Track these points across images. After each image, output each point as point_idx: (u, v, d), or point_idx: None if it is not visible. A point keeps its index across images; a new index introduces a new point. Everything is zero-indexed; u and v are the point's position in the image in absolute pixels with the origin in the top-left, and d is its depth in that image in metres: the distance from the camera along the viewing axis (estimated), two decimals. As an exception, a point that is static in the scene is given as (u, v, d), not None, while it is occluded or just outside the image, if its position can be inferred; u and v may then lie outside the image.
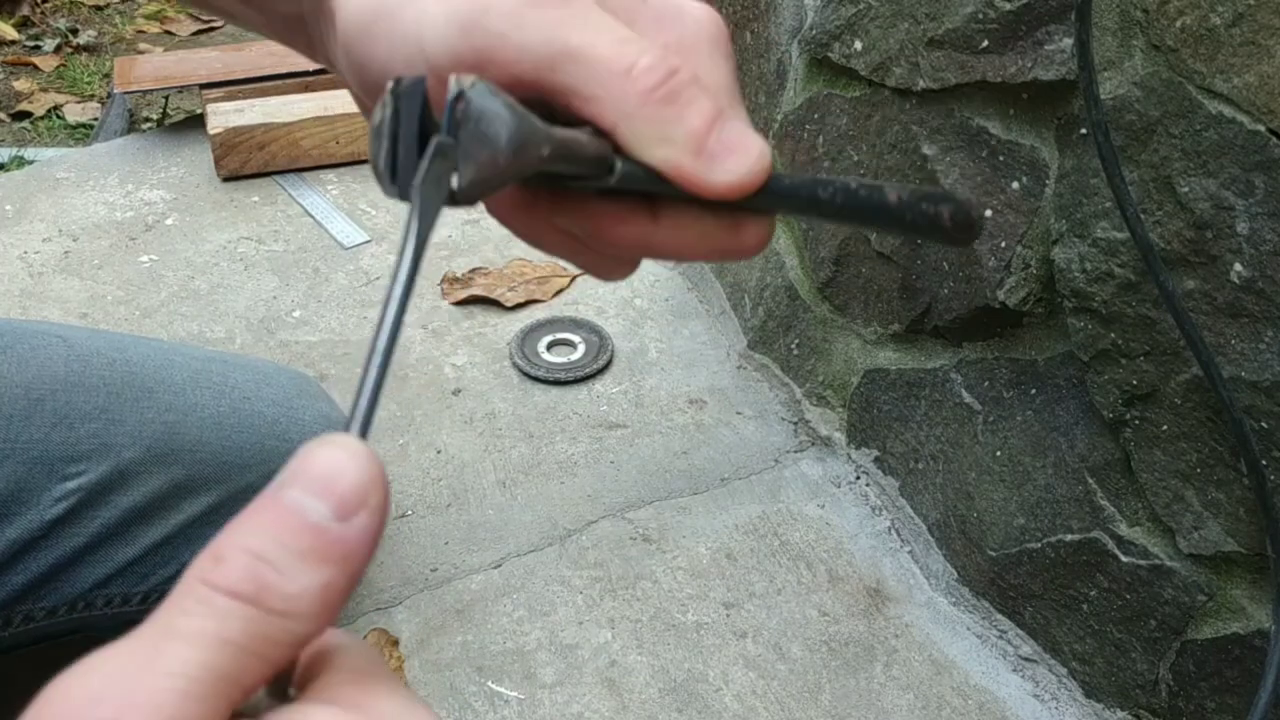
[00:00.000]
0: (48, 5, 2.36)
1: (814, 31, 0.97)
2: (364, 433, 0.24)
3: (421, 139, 0.25)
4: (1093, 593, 0.82)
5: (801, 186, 0.29)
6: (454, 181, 0.25)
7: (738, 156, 0.28)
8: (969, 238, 0.28)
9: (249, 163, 1.54)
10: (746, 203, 0.29)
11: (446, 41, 0.28)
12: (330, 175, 1.56)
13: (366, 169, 1.58)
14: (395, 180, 0.26)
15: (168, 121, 1.84)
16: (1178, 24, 0.64)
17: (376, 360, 0.25)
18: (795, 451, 1.10)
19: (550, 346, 1.23)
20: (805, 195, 0.28)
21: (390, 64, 0.30)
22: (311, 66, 1.68)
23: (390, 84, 0.26)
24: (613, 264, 0.33)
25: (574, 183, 0.28)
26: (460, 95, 0.25)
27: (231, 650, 0.19)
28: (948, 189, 0.28)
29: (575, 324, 1.26)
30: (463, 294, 1.31)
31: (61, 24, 2.29)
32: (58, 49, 2.21)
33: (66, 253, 1.37)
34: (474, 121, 0.25)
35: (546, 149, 0.25)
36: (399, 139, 0.25)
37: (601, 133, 0.28)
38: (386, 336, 0.25)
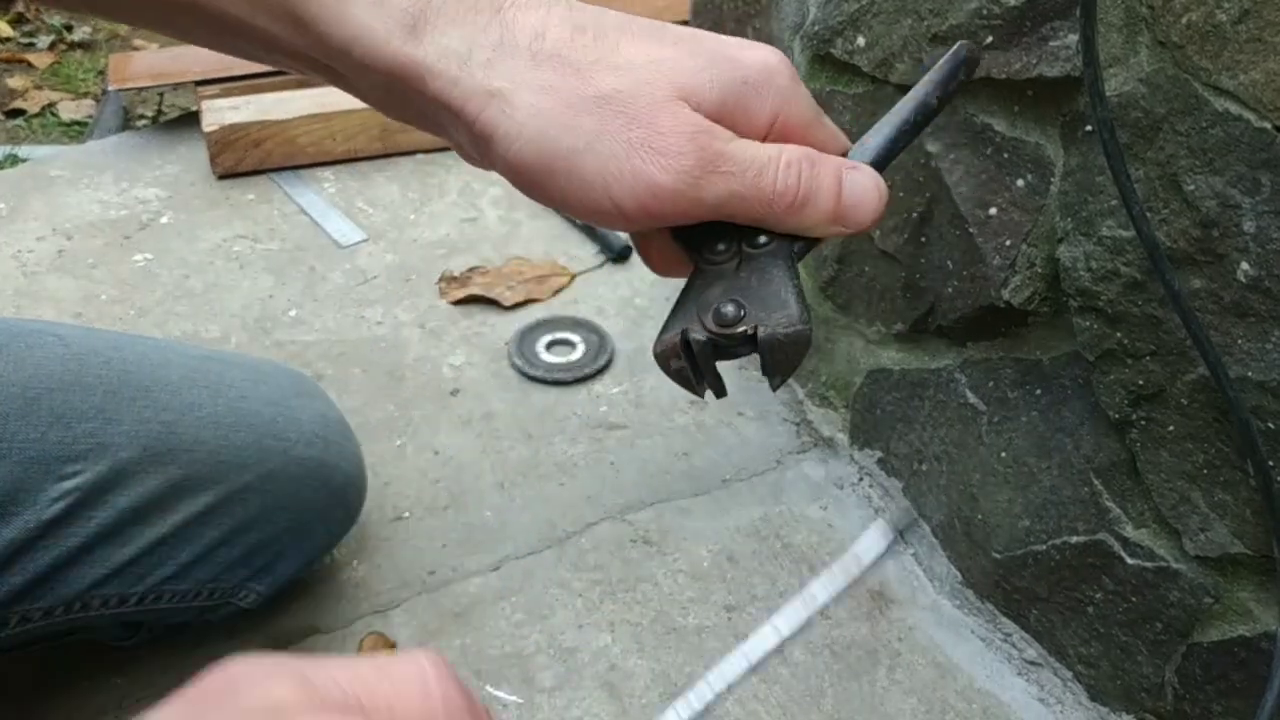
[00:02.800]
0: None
1: (816, 27, 0.97)
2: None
3: (715, 354, 0.37)
4: (1098, 595, 0.81)
5: (890, 149, 0.39)
6: (770, 384, 0.36)
7: (864, 209, 0.38)
8: (973, 74, 0.39)
9: (244, 160, 1.53)
10: None
11: (634, 196, 0.35)
12: (327, 173, 1.55)
13: (363, 166, 1.57)
14: (702, 384, 0.37)
15: (163, 119, 1.83)
16: (1183, 20, 0.63)
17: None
18: (797, 452, 1.10)
19: (549, 346, 1.22)
20: (895, 151, 0.39)
21: (572, 199, 0.36)
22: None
23: (679, 334, 0.36)
24: None
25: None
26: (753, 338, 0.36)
27: None
28: (950, 52, 0.40)
29: (574, 323, 1.25)
30: (460, 293, 1.30)
31: (56, 20, 2.28)
32: (52, 46, 2.20)
33: (61, 251, 1.36)
34: (769, 352, 0.35)
35: (811, 330, 0.36)
36: (697, 362, 0.36)
37: None
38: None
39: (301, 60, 0.39)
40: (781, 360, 0.35)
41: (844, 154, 0.40)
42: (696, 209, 0.35)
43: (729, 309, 0.35)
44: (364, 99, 0.40)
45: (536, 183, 0.36)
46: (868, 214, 0.37)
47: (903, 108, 0.38)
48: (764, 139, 0.37)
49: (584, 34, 0.36)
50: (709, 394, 0.38)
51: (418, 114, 0.39)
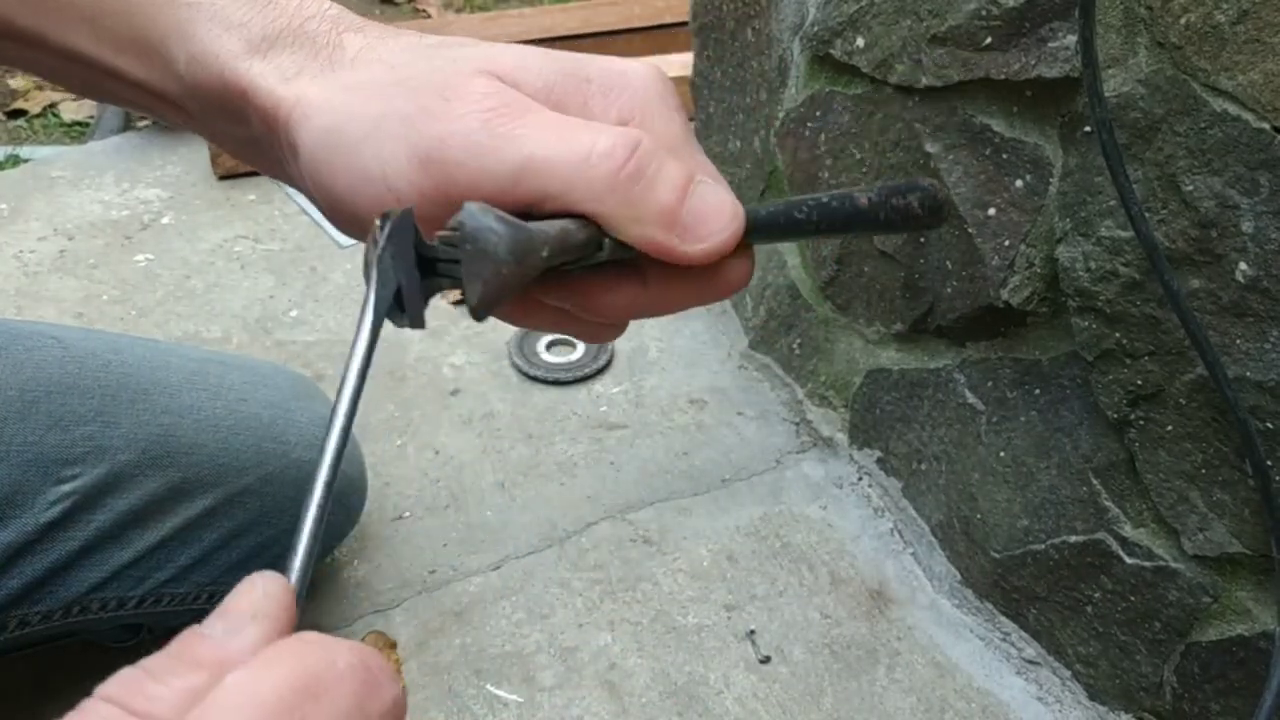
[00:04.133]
0: (43, 3, 2.35)
1: (816, 28, 0.97)
2: (306, 567, 0.25)
3: (420, 265, 0.27)
4: (1097, 595, 0.81)
5: (779, 215, 0.30)
6: (469, 300, 0.26)
7: (710, 225, 0.28)
8: (939, 220, 0.29)
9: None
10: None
11: (408, 178, 0.29)
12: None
13: (364, 167, 1.57)
14: (405, 312, 0.28)
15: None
16: (1182, 21, 0.63)
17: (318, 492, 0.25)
18: (797, 452, 1.10)
19: (549, 346, 1.22)
20: (783, 223, 0.30)
21: (356, 198, 0.31)
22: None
23: (378, 220, 0.26)
24: (603, 330, 0.34)
25: (573, 265, 0.29)
26: (457, 224, 0.26)
27: None
28: (910, 180, 0.30)
29: (574, 323, 1.26)
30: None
31: (57, 22, 2.28)
32: (54, 47, 2.20)
33: (62, 252, 1.37)
34: (471, 242, 0.26)
35: (545, 251, 0.26)
36: (398, 271, 0.27)
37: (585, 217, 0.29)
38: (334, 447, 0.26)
39: (143, 93, 0.37)
40: (480, 256, 0.26)
41: None
42: (491, 180, 0.28)
43: (471, 205, 0.27)
44: (206, 131, 0.38)
45: (327, 189, 0.31)
46: (712, 237, 0.28)
47: (825, 194, 0.30)
48: None
49: (421, 40, 0.32)
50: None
51: (250, 140, 0.36)
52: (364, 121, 0.30)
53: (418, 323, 0.28)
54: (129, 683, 0.21)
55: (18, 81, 2.05)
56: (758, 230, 0.30)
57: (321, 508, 0.25)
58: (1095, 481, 0.79)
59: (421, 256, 0.27)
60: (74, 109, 1.96)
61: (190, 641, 0.22)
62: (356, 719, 0.21)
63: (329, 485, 0.25)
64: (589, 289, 0.31)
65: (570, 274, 0.30)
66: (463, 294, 0.26)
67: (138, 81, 0.36)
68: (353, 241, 1.41)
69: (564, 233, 0.27)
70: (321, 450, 0.25)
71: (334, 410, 0.26)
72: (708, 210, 0.29)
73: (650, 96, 0.31)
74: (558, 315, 0.33)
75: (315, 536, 0.25)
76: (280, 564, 0.81)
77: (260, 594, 0.23)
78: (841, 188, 0.31)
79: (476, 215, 0.26)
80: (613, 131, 0.28)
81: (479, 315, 0.26)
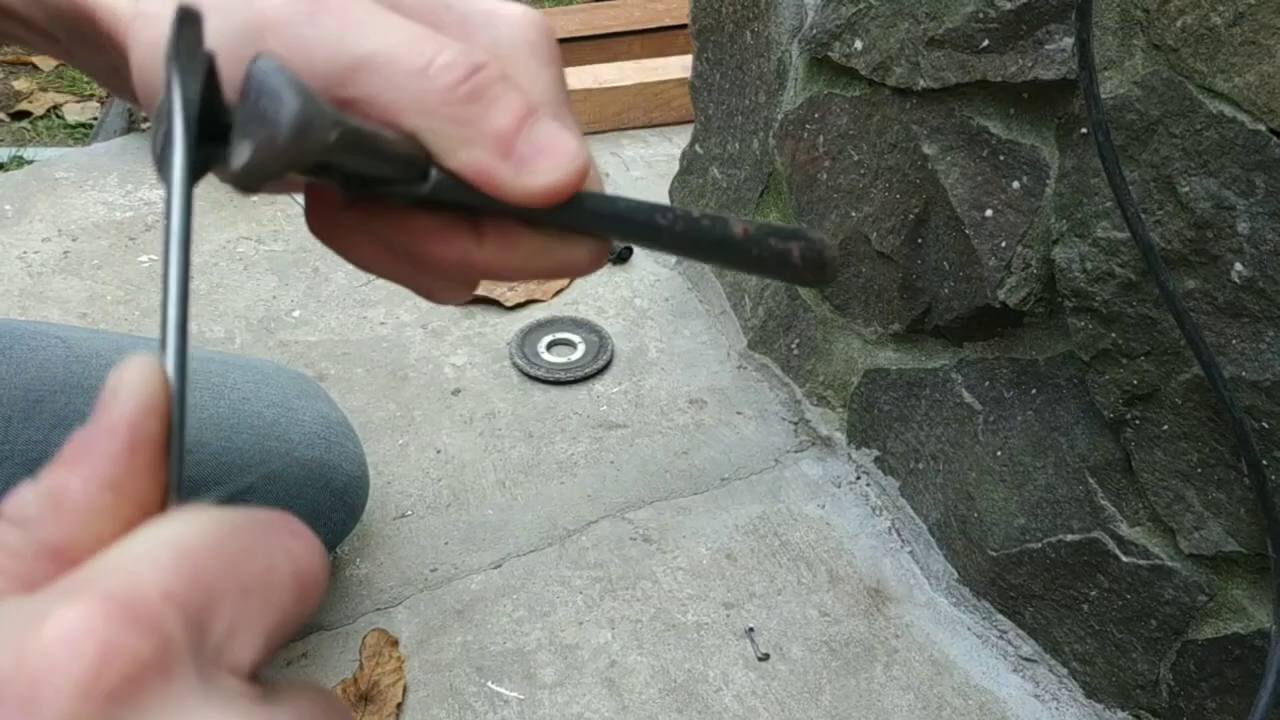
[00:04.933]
0: (47, 5, 2.35)
1: (814, 31, 0.97)
2: (180, 344, 0.22)
3: (209, 121, 0.23)
4: (1093, 593, 0.81)
5: (638, 211, 0.26)
6: (234, 162, 0.22)
7: (549, 159, 0.25)
8: (821, 278, 0.27)
9: (248, 162, 1.54)
10: (577, 224, 0.27)
11: (228, 73, 0.25)
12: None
13: (366, 168, 1.58)
14: (165, 148, 0.23)
15: (167, 121, 1.83)
16: (1178, 23, 0.64)
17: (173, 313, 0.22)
18: (795, 451, 1.10)
19: (550, 346, 1.23)
20: (642, 220, 0.26)
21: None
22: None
23: (164, 50, 0.23)
24: (444, 285, 0.30)
25: (388, 189, 0.26)
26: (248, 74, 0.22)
27: None
28: (800, 227, 0.27)
29: (575, 324, 1.26)
30: (462, 294, 1.31)
31: (61, 23, 2.29)
32: (57, 48, 2.21)
33: (66, 252, 1.37)
34: (254, 98, 0.22)
35: (334, 134, 0.22)
36: (176, 121, 0.22)
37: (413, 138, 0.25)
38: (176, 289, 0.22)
39: (15, 22, 0.34)
40: (261, 113, 0.21)
41: None
42: (311, 80, 0.24)
43: (267, 59, 0.22)
44: (77, 63, 0.36)
45: (142, 83, 0.29)
46: (549, 172, 0.25)
47: (699, 211, 0.27)
48: None
49: None
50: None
51: (110, 69, 0.33)
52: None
53: (164, 170, 0.23)
54: (20, 491, 0.20)
55: (22, 83, 2.06)
56: (614, 218, 0.26)
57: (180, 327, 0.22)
58: (1091, 480, 0.79)
59: (217, 121, 0.23)
60: (78, 111, 1.97)
61: (69, 441, 0.21)
62: (282, 561, 0.20)
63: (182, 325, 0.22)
64: (419, 231, 0.28)
65: (399, 207, 0.27)
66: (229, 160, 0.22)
67: (9, 8, 0.33)
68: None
69: (373, 132, 0.24)
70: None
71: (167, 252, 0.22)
72: (547, 143, 0.25)
73: (520, 42, 0.27)
74: (393, 260, 0.29)
75: (182, 306, 0.22)
76: None
77: (121, 375, 0.21)
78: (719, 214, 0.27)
79: (266, 73, 0.22)
80: (461, 49, 0.25)
81: (241, 184, 0.22)
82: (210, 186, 1.52)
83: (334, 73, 0.25)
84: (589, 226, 0.27)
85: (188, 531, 0.19)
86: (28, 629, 0.17)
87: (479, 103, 0.25)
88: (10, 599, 0.18)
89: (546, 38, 0.28)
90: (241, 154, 0.22)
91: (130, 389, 0.20)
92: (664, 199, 1.38)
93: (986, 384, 0.89)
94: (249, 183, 0.22)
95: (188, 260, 0.22)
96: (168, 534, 0.19)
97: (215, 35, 0.24)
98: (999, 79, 0.77)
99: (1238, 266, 0.64)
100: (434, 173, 0.25)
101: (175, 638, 0.18)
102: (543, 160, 0.25)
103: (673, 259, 1.39)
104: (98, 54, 0.33)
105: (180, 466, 0.21)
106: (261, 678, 0.20)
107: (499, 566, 0.96)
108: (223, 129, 0.22)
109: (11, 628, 0.17)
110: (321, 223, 0.29)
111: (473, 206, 0.26)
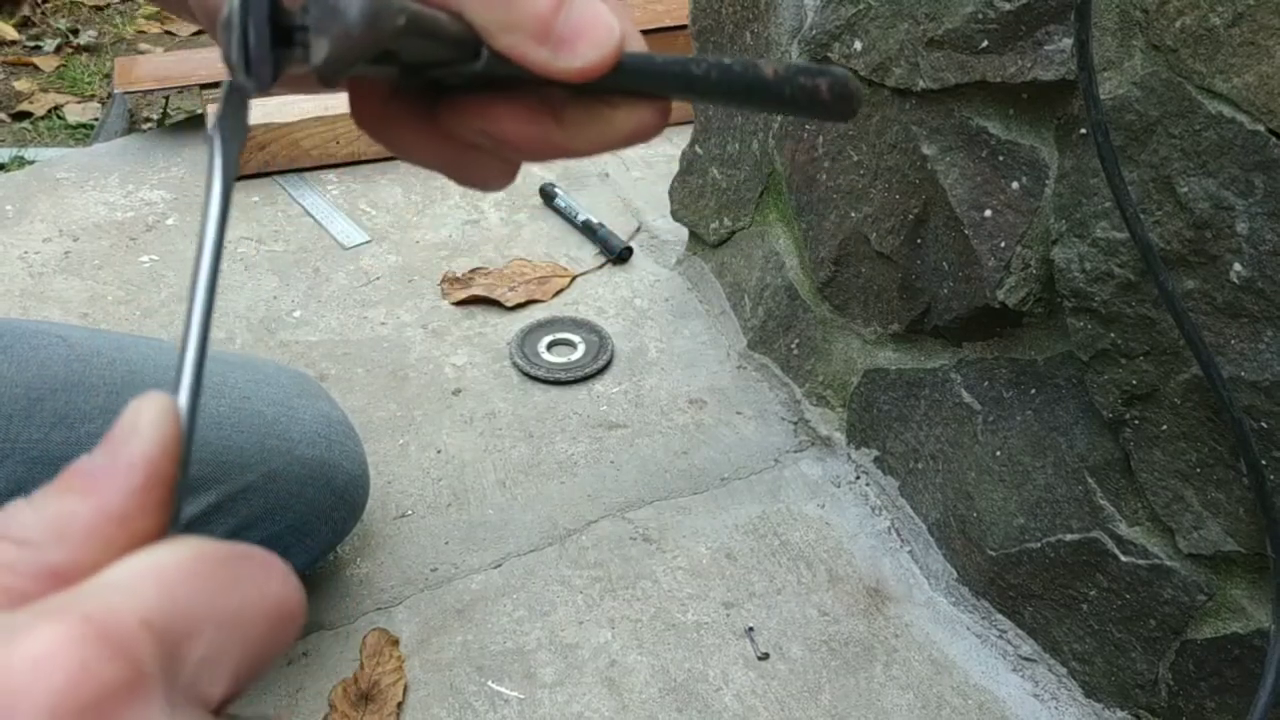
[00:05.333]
0: (48, 5, 2.36)
1: (814, 32, 0.97)
2: (195, 385, 0.23)
3: (274, 27, 0.24)
4: (1092, 592, 0.82)
5: (674, 64, 0.28)
6: (314, 58, 0.23)
7: (585, 41, 0.26)
8: (848, 110, 0.27)
9: (249, 163, 1.54)
10: (619, 87, 0.28)
11: None
12: (330, 175, 1.56)
13: (366, 169, 1.58)
14: (250, 71, 0.24)
15: (168, 121, 1.84)
16: (1177, 24, 0.64)
17: (198, 312, 0.23)
18: (795, 451, 1.10)
19: (550, 346, 1.23)
20: (679, 73, 0.28)
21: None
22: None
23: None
24: (498, 171, 0.31)
25: (444, 70, 0.27)
26: None
27: None
28: (824, 66, 0.28)
29: (575, 324, 1.26)
30: (463, 294, 1.31)
31: (62, 24, 2.29)
32: (58, 49, 2.22)
33: (67, 253, 1.37)
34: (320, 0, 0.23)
35: (402, 19, 0.24)
36: (249, 28, 0.24)
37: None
38: (204, 290, 0.23)
39: None
40: (337, 10, 0.23)
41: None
42: None
43: None
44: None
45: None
46: (591, 47, 0.26)
47: (729, 58, 0.28)
48: None
49: None
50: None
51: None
52: None
53: (263, 82, 0.24)
54: (14, 510, 0.20)
55: (23, 84, 2.06)
56: (653, 75, 0.28)
57: (204, 325, 0.23)
58: (1090, 480, 0.80)
59: (280, 26, 0.24)
60: (79, 111, 1.97)
61: (70, 470, 0.21)
62: (254, 598, 0.20)
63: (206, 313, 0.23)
64: (502, 116, 0.29)
65: (476, 98, 0.28)
66: (309, 55, 0.24)
67: None
68: (355, 243, 1.41)
69: (430, 15, 0.25)
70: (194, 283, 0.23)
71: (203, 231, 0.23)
72: (584, 23, 0.26)
73: None
74: (439, 145, 0.30)
75: (201, 349, 0.23)
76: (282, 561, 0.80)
77: (139, 413, 0.21)
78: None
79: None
80: None
81: (324, 76, 0.23)
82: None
83: None
84: (632, 87, 0.28)
85: (170, 561, 0.19)
86: (15, 638, 0.17)
87: None
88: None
89: None
90: (320, 49, 0.23)
91: (149, 426, 0.21)
92: (664, 200, 1.39)
93: (986, 384, 0.89)
94: (329, 74, 0.23)
95: (211, 304, 0.24)
96: (151, 563, 0.19)
97: None
98: (998, 80, 0.78)
99: (1237, 267, 0.64)
100: (484, 52, 0.26)
101: (148, 665, 0.18)
102: (579, 42, 0.26)
103: (673, 259, 1.39)
104: None
105: (181, 502, 0.22)
106: (229, 713, 0.20)
107: (499, 566, 0.97)
108: (286, 32, 0.24)
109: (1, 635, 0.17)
110: (368, 117, 0.29)
111: (522, 80, 0.27)
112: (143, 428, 0.21)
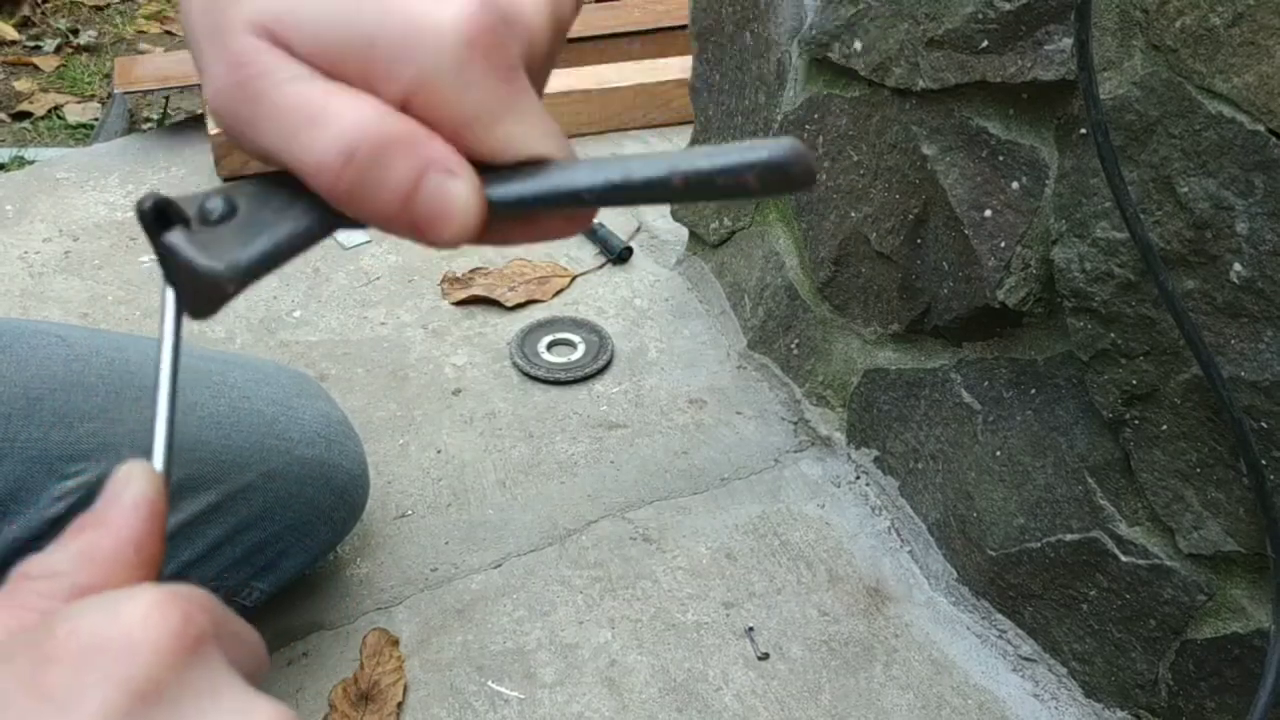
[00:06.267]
0: (48, 5, 2.36)
1: (814, 32, 0.97)
2: (167, 448, 0.28)
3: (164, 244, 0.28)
4: (1092, 592, 0.82)
5: (559, 191, 0.28)
6: (186, 309, 0.29)
7: (439, 223, 0.27)
8: (792, 186, 0.26)
9: (250, 163, 1.54)
10: (525, 212, 0.28)
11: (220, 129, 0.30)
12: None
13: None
14: (198, 311, 0.29)
15: (168, 121, 1.84)
16: (1177, 24, 0.64)
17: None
18: (795, 451, 1.10)
19: (550, 346, 1.23)
20: (567, 197, 0.28)
21: None
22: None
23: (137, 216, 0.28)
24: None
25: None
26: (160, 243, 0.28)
27: (11, 613, 0.24)
28: (764, 144, 0.25)
29: (575, 324, 1.26)
30: (463, 294, 1.31)
31: (62, 24, 2.29)
32: (58, 49, 2.22)
33: (67, 253, 1.37)
34: (168, 267, 0.28)
35: (232, 288, 0.27)
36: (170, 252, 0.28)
37: None
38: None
39: None
40: (176, 279, 0.28)
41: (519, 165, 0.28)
42: (253, 153, 0.28)
43: (215, 203, 0.28)
44: None
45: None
46: (445, 233, 0.27)
47: (634, 163, 0.27)
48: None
49: None
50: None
51: None
52: (189, 35, 0.29)
53: (211, 313, 0.29)
54: (32, 560, 0.25)
55: (23, 84, 2.06)
56: (528, 203, 0.28)
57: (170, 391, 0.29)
58: (1090, 480, 0.80)
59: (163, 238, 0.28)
60: (79, 111, 1.97)
61: (79, 520, 0.26)
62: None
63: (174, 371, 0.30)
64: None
65: None
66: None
67: None
68: (356, 243, 1.42)
69: (288, 238, 0.28)
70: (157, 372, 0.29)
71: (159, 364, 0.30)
72: (434, 211, 0.27)
73: (443, 64, 0.26)
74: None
75: (170, 421, 0.28)
76: (282, 560, 0.82)
77: (128, 472, 0.26)
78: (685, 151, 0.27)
79: (171, 245, 0.28)
80: (330, 135, 0.26)
81: (200, 319, 0.29)
82: (209, 187, 1.52)
83: (258, 153, 0.28)
84: (526, 212, 0.28)
85: (193, 587, 0.25)
86: (115, 604, 0.22)
87: (358, 196, 0.27)
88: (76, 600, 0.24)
89: (479, 42, 0.26)
90: (185, 305, 0.29)
91: (140, 476, 0.26)
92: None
93: (986, 384, 0.89)
94: (199, 319, 0.29)
95: (175, 390, 0.29)
96: (180, 585, 0.24)
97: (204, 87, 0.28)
98: (998, 80, 0.78)
99: (1236, 267, 0.64)
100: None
101: (211, 630, 0.24)
102: (432, 227, 0.27)
103: (673, 259, 1.39)
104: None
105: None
106: None
107: (499, 566, 0.97)
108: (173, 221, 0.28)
109: (102, 604, 0.22)
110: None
111: None
112: (135, 478, 0.26)
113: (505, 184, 0.28)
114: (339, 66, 0.26)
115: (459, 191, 0.27)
